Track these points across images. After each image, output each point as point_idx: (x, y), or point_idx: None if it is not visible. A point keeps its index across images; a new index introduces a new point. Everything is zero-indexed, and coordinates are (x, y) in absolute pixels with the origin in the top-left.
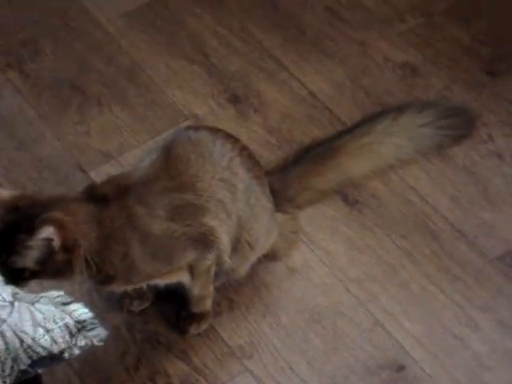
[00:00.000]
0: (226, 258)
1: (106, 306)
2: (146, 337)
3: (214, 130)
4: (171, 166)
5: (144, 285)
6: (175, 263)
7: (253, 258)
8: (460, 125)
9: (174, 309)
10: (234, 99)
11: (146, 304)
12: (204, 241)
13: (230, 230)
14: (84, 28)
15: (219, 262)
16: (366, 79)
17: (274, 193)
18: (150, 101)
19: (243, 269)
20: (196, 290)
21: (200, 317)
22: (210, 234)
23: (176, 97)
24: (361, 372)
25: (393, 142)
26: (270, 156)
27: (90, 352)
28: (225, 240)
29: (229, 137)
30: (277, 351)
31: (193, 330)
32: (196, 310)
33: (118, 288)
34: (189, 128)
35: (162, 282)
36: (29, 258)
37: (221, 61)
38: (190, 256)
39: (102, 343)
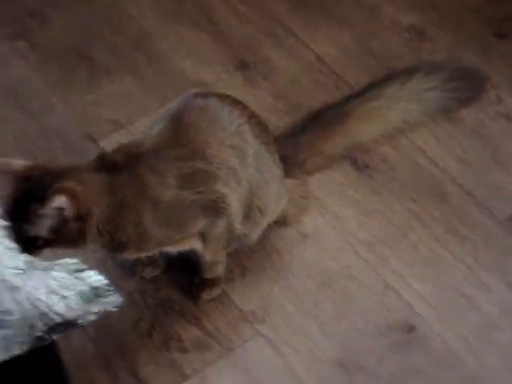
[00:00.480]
0: (238, 225)
1: (120, 272)
2: (159, 303)
3: (222, 97)
4: (181, 134)
5: (156, 252)
6: (187, 230)
7: (264, 223)
8: (468, 87)
9: (187, 275)
10: (242, 66)
11: (158, 270)
12: (215, 208)
13: (240, 196)
14: None
15: (230, 229)
16: (373, 43)
17: (284, 158)
18: (159, 69)
19: (255, 234)
20: (208, 257)
21: (212, 282)
22: (220, 201)
23: (184, 65)
24: (372, 334)
25: (401, 106)
26: (278, 122)
27: (104, 319)
28: (236, 207)
29: (237, 103)
30: (288, 315)
31: (205, 295)
32: (208, 275)
33: (131, 255)
34: (197, 95)
35: (174, 249)
36: (42, 227)
37: (229, 28)
38: (201, 223)
39: (116, 309)
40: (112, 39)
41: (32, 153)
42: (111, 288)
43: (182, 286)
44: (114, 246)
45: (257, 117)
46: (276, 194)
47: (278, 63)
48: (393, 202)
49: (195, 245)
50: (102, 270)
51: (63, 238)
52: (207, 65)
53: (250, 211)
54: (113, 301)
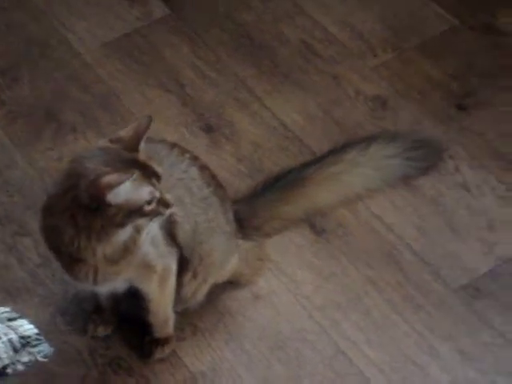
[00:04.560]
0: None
1: (70, 329)
2: (108, 361)
3: (171, 144)
4: None
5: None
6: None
7: (209, 279)
8: (427, 156)
9: (138, 334)
10: (207, 128)
11: (110, 329)
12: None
13: (186, 229)
14: (63, 58)
15: (178, 281)
16: (337, 111)
17: (241, 221)
18: (123, 128)
19: (201, 292)
20: (157, 306)
21: (164, 341)
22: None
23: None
24: None
25: (360, 172)
26: (239, 185)
27: (50, 374)
28: (183, 237)
29: (186, 151)
30: (239, 377)
31: (157, 354)
32: (159, 334)
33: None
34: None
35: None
36: None
37: (196, 91)
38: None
39: (46, 359)
40: (79, 98)
41: None
42: (41, 338)
43: (132, 344)
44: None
45: (209, 170)
46: (222, 250)
47: (243, 127)
48: (349, 267)
49: (151, 280)
50: (52, 326)
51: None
52: (172, 125)
53: (192, 256)
54: (42, 350)
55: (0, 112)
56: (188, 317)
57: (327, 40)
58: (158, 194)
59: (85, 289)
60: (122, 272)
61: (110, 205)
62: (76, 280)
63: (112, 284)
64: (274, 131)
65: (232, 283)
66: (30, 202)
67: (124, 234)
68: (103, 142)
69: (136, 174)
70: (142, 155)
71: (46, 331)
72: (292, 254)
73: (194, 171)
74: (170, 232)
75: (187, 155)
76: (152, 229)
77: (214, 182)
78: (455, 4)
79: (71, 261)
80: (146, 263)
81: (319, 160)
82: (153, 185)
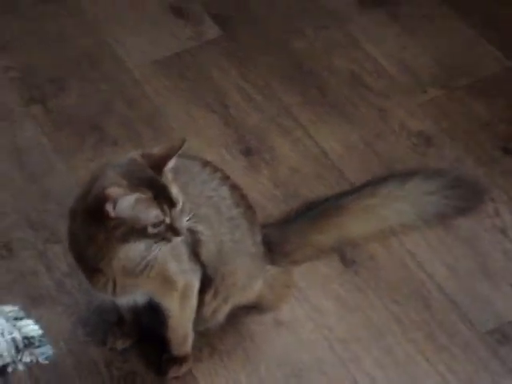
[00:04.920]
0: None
1: (90, 340)
2: (123, 375)
3: (204, 161)
4: None
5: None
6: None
7: (230, 300)
8: (467, 197)
9: (156, 351)
10: (247, 151)
11: (129, 343)
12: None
13: (211, 251)
14: (112, 71)
15: (199, 300)
16: (379, 144)
17: (271, 245)
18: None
19: (221, 313)
20: (176, 323)
21: (181, 360)
22: (196, 240)
23: (190, 143)
24: None
25: (396, 206)
26: (273, 209)
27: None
28: (208, 255)
29: (219, 169)
30: None
31: (172, 372)
32: (177, 352)
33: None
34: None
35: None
36: None
37: (240, 113)
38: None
39: (47, 362)
40: (124, 112)
41: (26, 213)
42: (44, 339)
43: (150, 360)
44: None
45: (240, 190)
46: (246, 272)
47: (283, 152)
48: (375, 301)
49: (172, 297)
50: (72, 336)
51: None
52: (213, 146)
53: (214, 275)
54: (44, 352)
55: (46, 119)
56: (207, 337)
57: (377, 72)
58: (167, 221)
59: (106, 300)
60: (141, 285)
61: (109, 216)
62: (96, 290)
63: (132, 296)
64: (314, 159)
65: (255, 307)
66: (65, 211)
67: (137, 249)
68: (135, 154)
69: (142, 194)
70: (165, 177)
71: (66, 340)
72: (319, 283)
73: (225, 190)
74: (195, 250)
75: (218, 174)
76: (176, 245)
77: (243, 202)
78: (509, 45)
79: (91, 270)
80: (166, 278)
81: (356, 191)
82: (162, 209)
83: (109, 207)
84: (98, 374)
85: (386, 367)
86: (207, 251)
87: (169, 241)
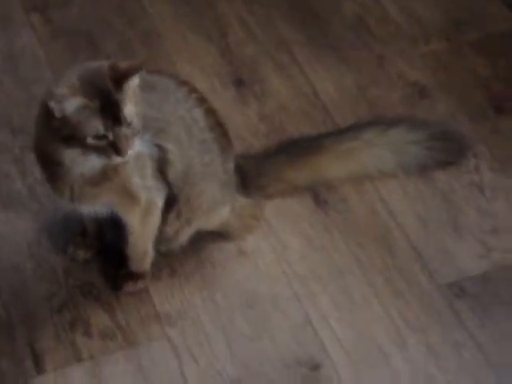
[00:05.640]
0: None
1: (52, 248)
2: (80, 285)
3: (183, 81)
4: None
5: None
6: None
7: (193, 223)
8: (450, 150)
9: (115, 265)
10: (238, 82)
11: (90, 254)
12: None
13: (179, 167)
14: None
15: (162, 219)
16: (373, 91)
17: (246, 177)
18: (156, 66)
19: (184, 235)
20: (137, 239)
21: (137, 276)
22: (164, 156)
23: (183, 68)
24: (277, 363)
25: (377, 152)
26: (255, 142)
27: (21, 287)
28: (175, 171)
29: (196, 91)
30: (201, 325)
31: (127, 287)
32: (135, 268)
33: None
34: (157, 71)
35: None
36: None
37: (237, 44)
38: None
39: None
40: (122, 30)
41: (9, 117)
42: None
43: (108, 274)
44: None
45: (216, 115)
46: (212, 197)
47: (273, 87)
48: (340, 243)
49: (134, 212)
50: (35, 240)
51: None
52: (205, 74)
53: (179, 196)
54: None
55: (45, 29)
56: (169, 259)
57: (383, 19)
58: (110, 137)
59: (71, 210)
60: (101, 195)
61: (54, 116)
62: (56, 195)
63: (93, 206)
64: (304, 97)
65: (221, 235)
66: None
67: (80, 157)
68: (103, 63)
69: (87, 101)
70: (124, 94)
71: (29, 245)
72: (288, 219)
73: (199, 112)
74: (161, 168)
75: (194, 95)
76: (141, 161)
77: (218, 128)
78: None
79: (51, 174)
80: (129, 192)
81: (338, 133)
82: (104, 124)
83: (53, 106)
84: (56, 280)
85: (340, 307)
86: (174, 171)
87: (108, 158)
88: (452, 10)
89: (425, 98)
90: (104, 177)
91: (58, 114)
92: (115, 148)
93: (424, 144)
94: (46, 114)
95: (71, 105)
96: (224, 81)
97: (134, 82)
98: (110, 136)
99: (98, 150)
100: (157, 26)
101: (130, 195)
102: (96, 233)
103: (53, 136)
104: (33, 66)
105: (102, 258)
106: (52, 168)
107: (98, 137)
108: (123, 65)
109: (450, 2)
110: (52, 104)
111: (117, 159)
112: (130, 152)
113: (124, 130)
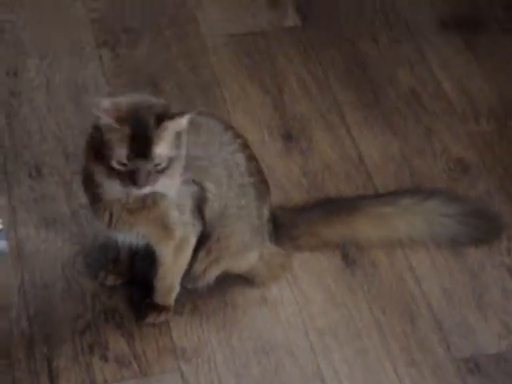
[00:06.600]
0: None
1: (85, 271)
2: (104, 309)
3: (228, 125)
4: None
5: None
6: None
7: (221, 265)
8: (484, 229)
9: (141, 295)
10: (287, 136)
11: (119, 281)
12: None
13: (214, 211)
14: (186, 34)
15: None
16: (416, 161)
17: (280, 226)
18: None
19: (211, 273)
20: (166, 272)
21: (161, 309)
22: (203, 194)
23: (236, 118)
24: None
25: (410, 220)
26: (295, 195)
27: (48, 305)
28: (212, 211)
29: (241, 136)
30: (215, 364)
31: (150, 318)
32: (159, 300)
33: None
34: (203, 113)
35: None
36: None
37: (291, 100)
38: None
39: None
40: (184, 75)
41: (65, 143)
42: (3, 234)
43: (133, 302)
44: None
45: (257, 162)
46: (243, 240)
47: (321, 146)
48: (363, 304)
49: (167, 245)
50: (70, 262)
51: None
52: (256, 124)
53: (211, 234)
54: None
55: (112, 63)
56: (193, 296)
57: (436, 94)
58: (131, 167)
59: (105, 233)
60: (137, 224)
61: (98, 127)
62: (96, 217)
63: (129, 234)
64: (349, 160)
65: (247, 280)
66: None
67: (115, 185)
68: (162, 101)
69: (121, 126)
70: (161, 132)
71: (63, 265)
72: (314, 273)
73: (241, 157)
74: (199, 205)
75: (239, 140)
76: (181, 195)
77: (258, 175)
78: None
79: (93, 195)
80: (165, 225)
81: (376, 196)
82: (129, 153)
83: (95, 112)
84: (83, 303)
85: (353, 366)
86: (211, 210)
87: (126, 186)
88: (507, 92)
89: (466, 175)
90: (142, 206)
91: (95, 121)
92: (132, 179)
93: (458, 218)
94: (92, 135)
95: (107, 121)
96: (273, 133)
97: (177, 124)
98: (131, 166)
99: (120, 176)
100: (217, 74)
101: (165, 228)
102: (128, 261)
103: (93, 155)
104: (94, 96)
105: (130, 286)
106: (93, 189)
107: (121, 163)
108: (174, 108)
109: (506, 85)
110: (94, 110)
111: (133, 190)
112: (150, 188)
113: (147, 166)
